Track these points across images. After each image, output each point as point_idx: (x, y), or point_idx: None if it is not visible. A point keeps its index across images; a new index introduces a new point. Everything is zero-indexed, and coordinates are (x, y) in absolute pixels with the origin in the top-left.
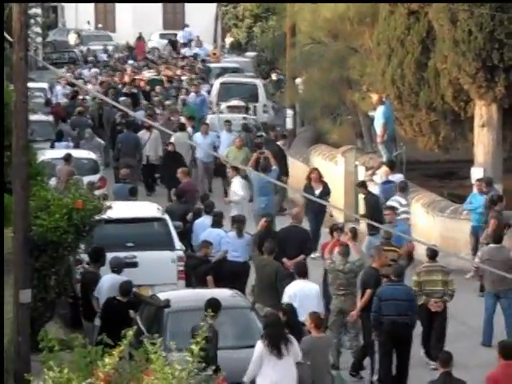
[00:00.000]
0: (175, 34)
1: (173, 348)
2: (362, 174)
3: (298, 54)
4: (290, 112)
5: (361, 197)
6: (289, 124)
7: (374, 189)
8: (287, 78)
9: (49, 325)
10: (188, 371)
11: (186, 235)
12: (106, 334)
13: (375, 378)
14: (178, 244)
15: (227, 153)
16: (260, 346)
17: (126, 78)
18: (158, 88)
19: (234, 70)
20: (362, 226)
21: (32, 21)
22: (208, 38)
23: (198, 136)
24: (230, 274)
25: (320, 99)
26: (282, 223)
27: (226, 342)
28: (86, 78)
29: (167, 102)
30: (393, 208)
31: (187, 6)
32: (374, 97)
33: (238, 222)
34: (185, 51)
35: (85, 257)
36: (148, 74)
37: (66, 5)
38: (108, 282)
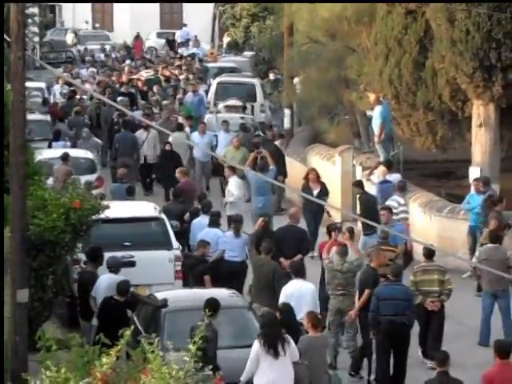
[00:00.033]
0: (173, 34)
1: (170, 348)
2: (359, 174)
3: (295, 53)
4: (287, 112)
5: (356, 196)
6: (286, 123)
7: (372, 188)
8: (285, 78)
9: (46, 324)
10: (185, 371)
11: (183, 235)
12: (104, 333)
13: (372, 377)
14: (175, 243)
15: (225, 153)
16: (256, 345)
17: (124, 78)
18: (155, 87)
19: (232, 70)
20: (358, 226)
21: (29, 20)
22: (205, 38)
23: (195, 135)
24: (227, 274)
25: (317, 99)
26: (279, 223)
27: (224, 342)
28: (83, 78)
29: (165, 102)
30: (389, 208)
31: (185, 5)
32: (372, 96)
33: (236, 222)
34: (182, 51)
35: (82, 256)
36: (145, 74)
37: (63, 4)
38: (105, 281)
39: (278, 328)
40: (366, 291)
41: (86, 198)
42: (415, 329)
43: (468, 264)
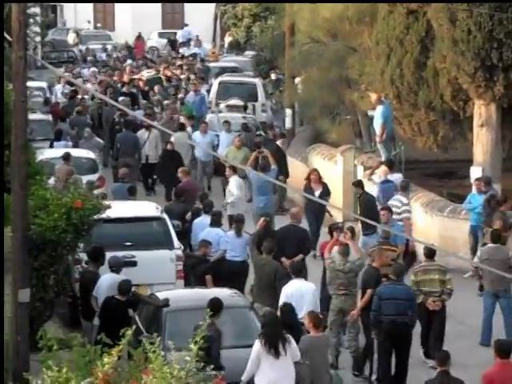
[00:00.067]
0: (174, 33)
1: (171, 347)
2: (360, 174)
3: (296, 53)
4: (289, 111)
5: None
6: (288, 123)
7: (373, 188)
8: (286, 78)
9: (48, 324)
10: (187, 371)
11: (184, 234)
12: (105, 333)
13: (374, 377)
14: (176, 243)
15: (226, 153)
16: (257, 345)
17: (125, 78)
18: (156, 87)
19: (233, 70)
20: (358, 226)
21: (31, 20)
22: (207, 38)
23: (196, 135)
24: (228, 274)
25: (319, 99)
26: (280, 222)
27: (225, 342)
28: (85, 78)
29: (166, 102)
30: (389, 208)
31: (186, 5)
32: (373, 96)
33: (237, 222)
34: (183, 51)
35: (84, 256)
36: (147, 74)
37: (65, 4)
38: (107, 281)
39: (279, 328)
40: (368, 291)
41: (88, 198)
42: (417, 329)
43: (469, 264)
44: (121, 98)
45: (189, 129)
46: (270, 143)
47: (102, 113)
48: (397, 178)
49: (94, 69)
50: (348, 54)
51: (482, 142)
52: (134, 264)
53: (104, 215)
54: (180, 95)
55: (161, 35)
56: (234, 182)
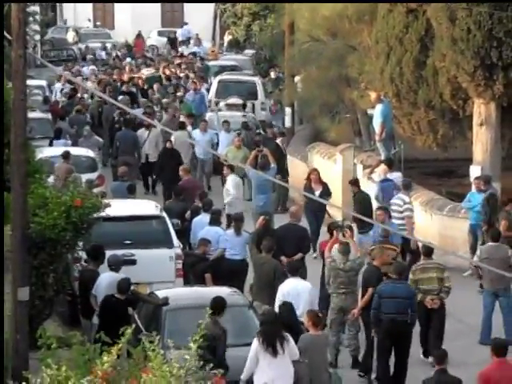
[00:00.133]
0: (174, 32)
1: (171, 346)
2: (360, 173)
3: (296, 51)
4: (288, 110)
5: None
6: (287, 122)
7: (373, 187)
8: (286, 76)
9: (47, 322)
10: (186, 369)
11: (184, 233)
12: (105, 331)
13: (373, 376)
14: (176, 242)
15: (226, 152)
16: (256, 343)
17: (125, 77)
18: (156, 86)
19: (233, 68)
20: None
21: (31, 18)
22: (207, 36)
23: (196, 133)
24: (228, 272)
25: (318, 97)
26: (280, 221)
27: None
28: (84, 76)
29: (165, 100)
30: (385, 208)
31: (186, 4)
32: (373, 95)
33: (237, 220)
34: (183, 49)
35: (83, 254)
36: (146, 72)
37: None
38: (106, 279)
39: (278, 326)
40: (369, 290)
41: (87, 196)
42: (416, 328)
43: (468, 262)
44: (120, 97)
45: (189, 127)
46: (269, 142)
47: (102, 111)
48: (396, 176)
49: (93, 67)
50: (348, 52)
51: (481, 141)
52: (133, 262)
53: (103, 214)
54: (179, 93)
55: (160, 34)
56: (231, 181)
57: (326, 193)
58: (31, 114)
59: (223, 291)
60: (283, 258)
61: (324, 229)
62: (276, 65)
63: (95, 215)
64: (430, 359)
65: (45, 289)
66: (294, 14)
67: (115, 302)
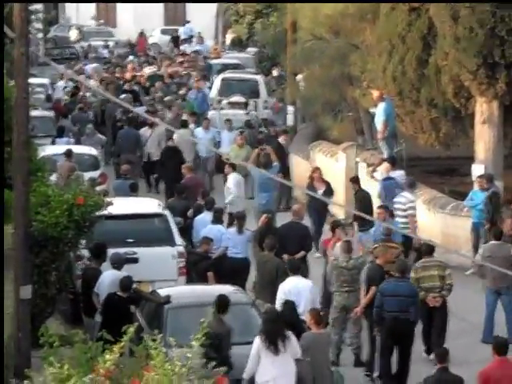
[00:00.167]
0: (176, 30)
1: (173, 344)
2: (362, 171)
3: (298, 50)
4: (291, 108)
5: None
6: (290, 120)
7: (375, 185)
8: (288, 75)
9: (49, 321)
10: (188, 367)
11: (186, 231)
12: (107, 329)
13: (375, 374)
14: (178, 240)
15: (229, 151)
16: (257, 341)
17: (127, 75)
18: (158, 84)
19: (235, 67)
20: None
21: (33, 17)
22: (209, 35)
23: (199, 131)
24: (230, 271)
25: (321, 96)
26: (282, 219)
27: None
28: (87, 74)
29: (167, 98)
30: (386, 207)
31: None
32: (375, 93)
33: (239, 219)
34: (185, 47)
35: (85, 253)
36: (148, 71)
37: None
38: (108, 277)
39: (280, 325)
40: (373, 288)
41: (90, 195)
42: (419, 326)
43: (471, 261)
44: (122, 96)
45: (191, 125)
46: (271, 140)
47: (106, 109)
48: (399, 175)
49: (96, 65)
50: (350, 51)
51: (483, 140)
52: (135, 261)
53: (106, 212)
54: (181, 92)
55: (163, 32)
56: (232, 179)
57: (329, 192)
58: (34, 112)
59: (226, 289)
60: (285, 257)
61: (326, 227)
62: (278, 63)
63: (97, 213)
64: (432, 356)
65: (47, 287)
66: (297, 13)
67: (117, 300)
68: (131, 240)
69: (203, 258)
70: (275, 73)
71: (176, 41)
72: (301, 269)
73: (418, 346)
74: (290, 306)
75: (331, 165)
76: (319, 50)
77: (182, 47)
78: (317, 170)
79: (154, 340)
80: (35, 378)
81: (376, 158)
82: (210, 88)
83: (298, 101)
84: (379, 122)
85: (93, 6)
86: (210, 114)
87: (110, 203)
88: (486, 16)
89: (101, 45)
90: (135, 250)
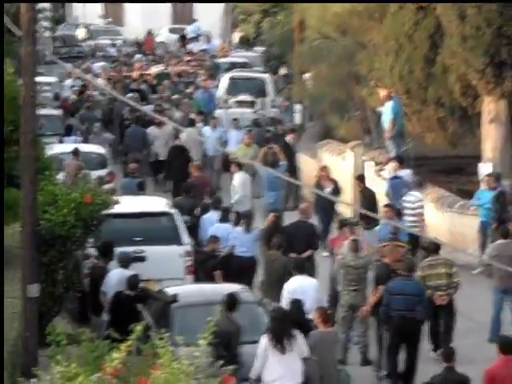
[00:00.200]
0: (184, 29)
1: (180, 343)
2: (369, 170)
3: (306, 49)
4: (298, 107)
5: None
6: (297, 119)
7: (382, 184)
8: (295, 74)
9: (56, 319)
10: (195, 366)
11: (193, 230)
12: (114, 328)
13: (383, 373)
14: (185, 239)
15: (236, 150)
16: (264, 340)
17: (135, 74)
18: (165, 83)
19: (243, 65)
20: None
21: (41, 15)
22: (216, 34)
23: (206, 129)
24: (237, 269)
25: (328, 94)
26: (290, 218)
27: None
28: (95, 73)
29: (174, 97)
30: (392, 206)
31: None
32: (382, 92)
33: (246, 217)
34: (192, 46)
35: (93, 251)
36: (156, 69)
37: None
38: (116, 276)
39: (287, 323)
40: (380, 287)
41: (97, 193)
42: (426, 324)
43: (478, 260)
44: (130, 95)
45: (199, 124)
46: (278, 139)
47: (113, 108)
48: (406, 174)
49: (103, 63)
50: (357, 50)
51: (491, 139)
52: (142, 259)
53: (113, 210)
54: (188, 90)
55: (171, 30)
56: (238, 178)
57: (337, 191)
58: (41, 111)
59: (233, 288)
60: (293, 255)
61: (334, 226)
62: (286, 62)
63: (105, 212)
64: (439, 352)
65: (54, 286)
66: (304, 12)
67: (125, 299)
68: (139, 239)
69: (210, 257)
70: (283, 71)
71: (183, 39)
72: (305, 268)
73: (426, 345)
74: (297, 304)
75: (338, 163)
76: (326, 48)
77: (189, 46)
78: (324, 168)
79: (161, 339)
80: (42, 377)
81: (383, 156)
82: (217, 87)
83: (305, 99)
84: (387, 120)
85: (99, 4)
86: (218, 112)
87: (118, 202)
88: (493, 15)
89: (108, 43)
90: (143, 248)
